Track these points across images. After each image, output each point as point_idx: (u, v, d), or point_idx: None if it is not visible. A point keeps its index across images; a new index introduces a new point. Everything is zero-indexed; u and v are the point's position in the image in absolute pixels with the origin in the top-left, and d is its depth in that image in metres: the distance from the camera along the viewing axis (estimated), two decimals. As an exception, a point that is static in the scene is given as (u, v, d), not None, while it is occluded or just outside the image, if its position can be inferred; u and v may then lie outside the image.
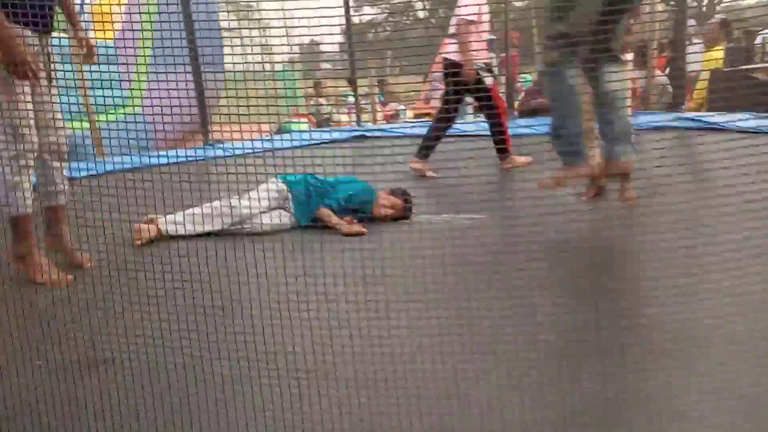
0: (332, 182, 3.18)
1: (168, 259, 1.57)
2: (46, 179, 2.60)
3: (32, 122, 2.39)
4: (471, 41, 3.95)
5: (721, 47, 6.22)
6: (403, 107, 8.94)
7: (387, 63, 8.58)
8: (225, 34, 5.21)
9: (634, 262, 2.11)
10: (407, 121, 7.81)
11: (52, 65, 2.50)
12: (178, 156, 4.50)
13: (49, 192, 2.62)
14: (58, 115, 2.61)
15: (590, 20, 1.97)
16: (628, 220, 2.38)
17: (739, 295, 1.61)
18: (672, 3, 6.89)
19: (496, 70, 5.81)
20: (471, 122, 5.66)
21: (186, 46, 5.04)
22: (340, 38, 6.98)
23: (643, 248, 2.11)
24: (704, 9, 13.95)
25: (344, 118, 8.24)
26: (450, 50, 4.20)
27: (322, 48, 7.08)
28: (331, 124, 8.30)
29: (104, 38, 5.78)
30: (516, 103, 6.85)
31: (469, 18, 3.96)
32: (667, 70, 6.59)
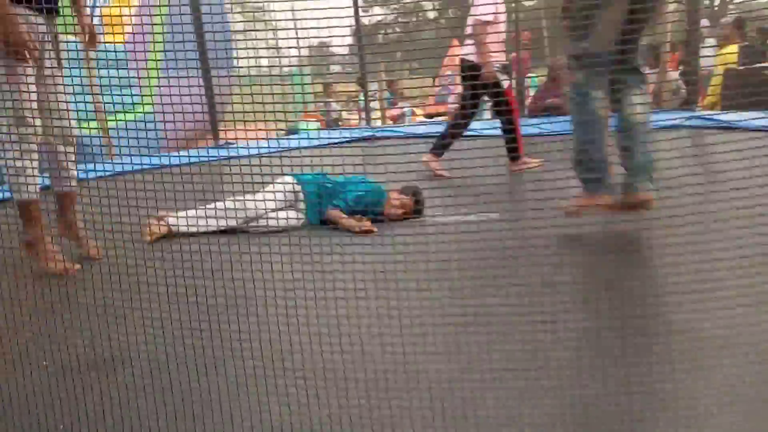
0: (342, 182, 3.19)
1: (176, 257, 1.57)
2: (55, 165, 2.59)
3: (35, 105, 2.36)
4: (489, 42, 3.92)
5: (735, 46, 6.15)
6: (407, 108, 8.92)
7: (396, 64, 8.57)
8: (235, 35, 5.23)
9: (647, 262, 2.08)
10: (422, 122, 7.79)
11: (55, 47, 2.47)
12: (189, 157, 4.53)
13: (59, 178, 2.61)
14: (67, 101, 2.56)
15: (612, 37, 1.92)
16: (641, 218, 2.35)
17: (754, 295, 1.58)
18: (684, 1, 6.82)
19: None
20: (483, 122, 5.64)
21: (196, 50, 5.07)
22: (349, 39, 6.99)
23: (656, 247, 2.08)
24: (716, 8, 13.82)
25: (354, 119, 8.25)
26: (467, 51, 4.18)
27: (332, 49, 7.09)
28: (340, 124, 8.31)
29: (114, 41, 5.83)
30: (527, 102, 6.82)
31: (485, 19, 3.93)
32: (680, 69, 6.53)
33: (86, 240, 2.64)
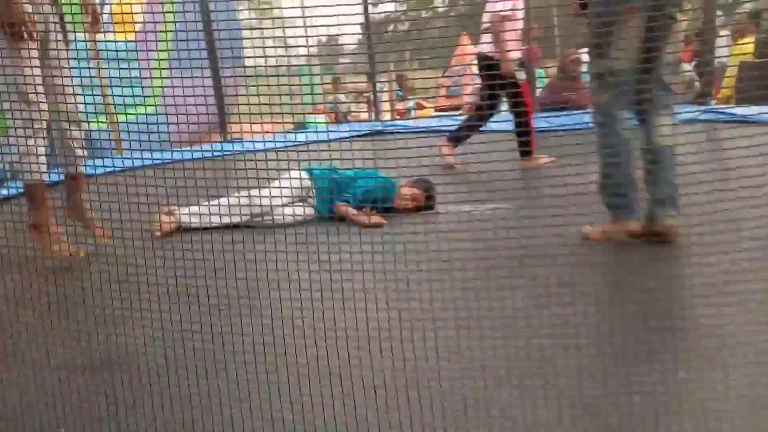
0: (352, 176, 3.15)
1: (181, 256, 1.55)
2: (64, 147, 2.57)
3: (41, 87, 2.34)
4: (507, 37, 3.87)
5: (751, 37, 6.04)
6: (412, 104, 8.87)
7: (406, 58, 8.52)
8: (244, 30, 5.22)
9: (663, 260, 2.03)
10: (433, 116, 7.73)
11: (61, 27, 2.46)
12: (192, 152, 4.52)
13: (68, 160, 2.59)
14: (71, 78, 2.55)
15: (634, 53, 1.82)
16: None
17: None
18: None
19: None
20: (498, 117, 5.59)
21: (204, 48, 5.06)
22: (359, 33, 6.95)
23: (675, 246, 2.01)
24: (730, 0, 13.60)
25: (363, 114, 8.21)
26: (483, 45, 4.12)
27: (341, 44, 7.06)
28: (349, 118, 8.28)
29: (125, 40, 5.83)
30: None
31: (504, 13, 3.86)
32: (694, 62, 6.43)
33: (93, 222, 2.62)
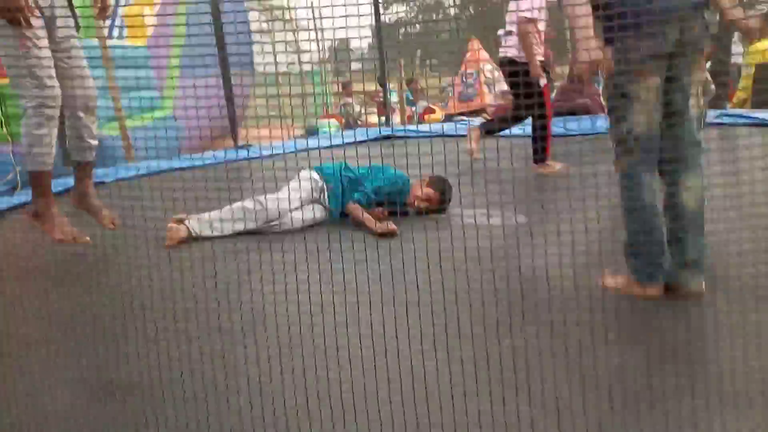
0: (364, 172, 3.10)
1: (188, 274, 1.52)
2: (77, 134, 2.55)
3: (52, 72, 2.34)
4: (533, 40, 3.81)
5: (766, 40, 5.95)
6: (416, 107, 8.83)
7: (416, 62, 8.50)
8: (255, 35, 5.21)
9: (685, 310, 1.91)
10: (444, 121, 7.69)
11: (71, 12, 2.45)
12: (211, 158, 4.52)
13: (78, 147, 2.57)
14: (84, 66, 2.54)
15: (655, 111, 1.75)
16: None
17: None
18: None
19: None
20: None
21: (215, 54, 5.05)
22: (369, 37, 6.93)
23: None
24: (745, 1, 13.46)
25: (373, 118, 8.18)
26: (508, 48, 4.06)
27: (352, 48, 7.03)
28: (359, 123, 8.25)
29: (138, 44, 5.85)
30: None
31: (530, 15, 3.80)
32: (708, 65, 6.34)
33: (100, 210, 2.60)
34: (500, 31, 4.26)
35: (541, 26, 3.96)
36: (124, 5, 5.97)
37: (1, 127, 4.28)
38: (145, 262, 2.06)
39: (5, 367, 1.68)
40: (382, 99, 7.02)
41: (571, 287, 1.65)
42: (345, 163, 3.16)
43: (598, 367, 1.37)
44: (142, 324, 1.59)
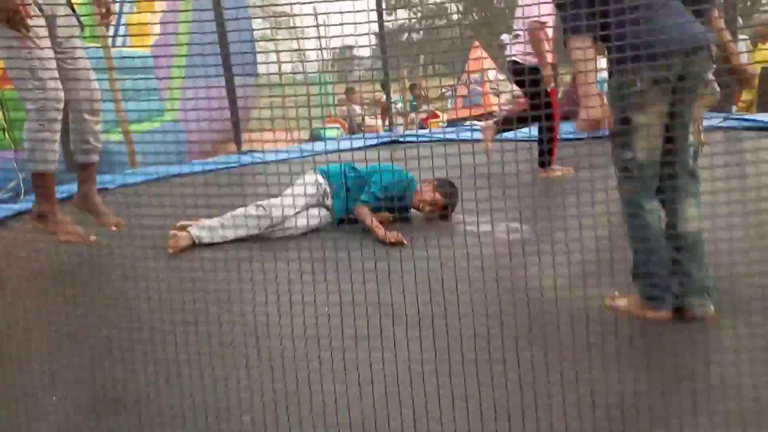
0: (369, 172, 3.08)
1: (189, 285, 1.50)
2: (81, 136, 2.54)
3: (55, 73, 2.33)
4: (544, 44, 3.79)
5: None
6: (413, 114, 8.81)
7: (419, 67, 8.48)
8: (258, 41, 5.21)
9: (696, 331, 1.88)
10: (447, 126, 7.67)
11: (73, 12, 2.44)
12: (212, 164, 4.50)
13: (82, 149, 2.56)
14: (88, 67, 2.53)
15: (656, 141, 1.78)
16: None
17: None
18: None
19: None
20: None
21: (219, 61, 5.05)
22: (373, 43, 6.92)
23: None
24: (749, 3, 13.41)
25: (377, 123, 8.17)
26: (517, 52, 4.03)
27: (355, 53, 7.03)
28: (363, 129, 8.24)
29: (142, 47, 5.86)
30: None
31: (542, 19, 3.77)
32: (713, 68, 6.30)
33: (103, 212, 2.59)
34: (503, 36, 4.24)
35: (550, 32, 3.93)
36: (128, 12, 5.99)
37: (4, 133, 4.28)
38: (145, 273, 2.04)
39: (5, 367, 1.66)
40: (386, 104, 7.00)
41: (581, 307, 1.62)
42: (351, 164, 3.15)
43: (609, 391, 1.34)
44: (147, 336, 1.56)
